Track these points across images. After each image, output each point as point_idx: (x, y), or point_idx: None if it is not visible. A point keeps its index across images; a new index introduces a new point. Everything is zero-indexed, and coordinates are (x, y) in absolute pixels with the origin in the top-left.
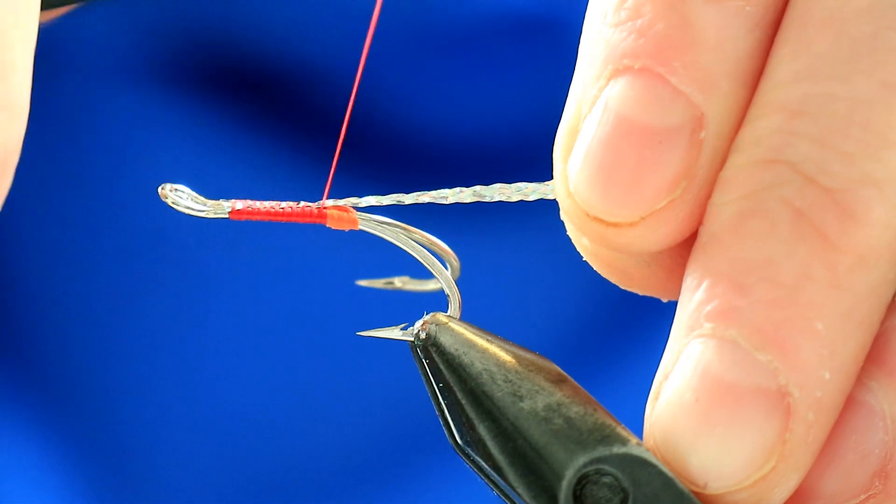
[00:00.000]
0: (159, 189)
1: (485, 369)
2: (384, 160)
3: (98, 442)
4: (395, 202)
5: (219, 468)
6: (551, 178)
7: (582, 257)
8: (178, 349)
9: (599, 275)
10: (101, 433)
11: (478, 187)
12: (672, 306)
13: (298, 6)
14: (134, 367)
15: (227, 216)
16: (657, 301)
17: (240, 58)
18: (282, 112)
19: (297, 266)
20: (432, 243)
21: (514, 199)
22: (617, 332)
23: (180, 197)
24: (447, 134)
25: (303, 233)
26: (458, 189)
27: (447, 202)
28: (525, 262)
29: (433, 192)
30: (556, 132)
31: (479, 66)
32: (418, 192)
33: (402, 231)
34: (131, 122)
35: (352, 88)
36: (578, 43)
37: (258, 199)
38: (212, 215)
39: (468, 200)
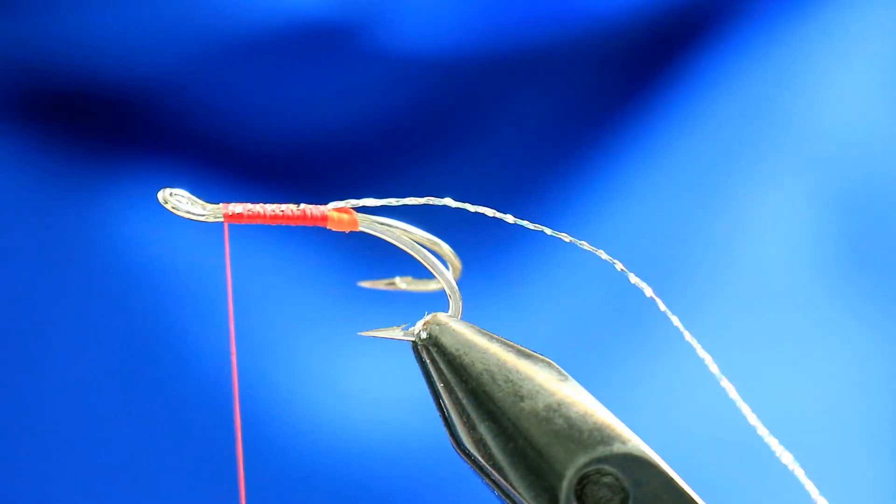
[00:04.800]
0: (159, 194)
1: (485, 369)
2: (195, 165)
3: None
4: (398, 204)
5: (212, 467)
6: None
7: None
8: (174, 348)
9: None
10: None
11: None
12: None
13: (108, 26)
14: (124, 366)
15: (223, 221)
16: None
17: (51, 82)
18: (94, 133)
19: (295, 265)
20: (434, 243)
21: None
22: (619, 333)
23: (179, 202)
24: (255, 137)
25: (301, 231)
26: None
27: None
28: (525, 262)
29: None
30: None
31: (283, 72)
32: (429, 197)
33: (403, 231)
34: None
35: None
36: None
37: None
38: (211, 219)
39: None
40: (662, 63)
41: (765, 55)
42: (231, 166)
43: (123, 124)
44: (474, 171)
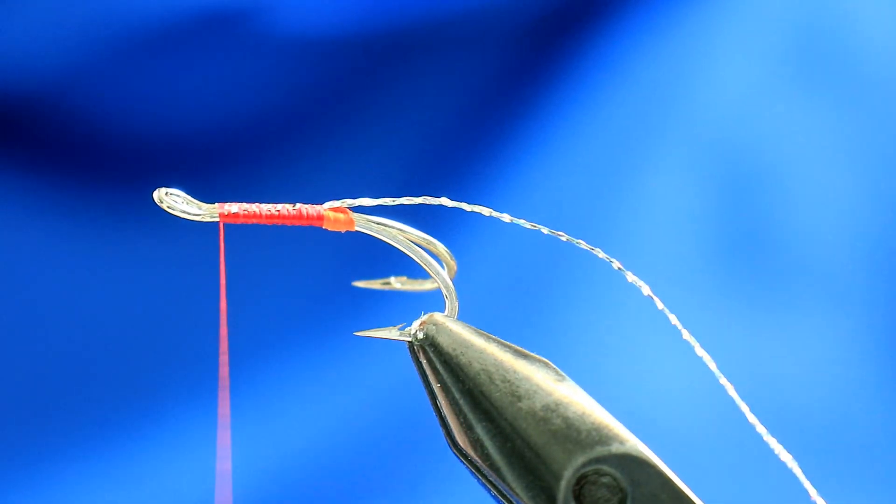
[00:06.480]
0: (154, 193)
1: (483, 369)
2: (94, 161)
3: None
4: (394, 203)
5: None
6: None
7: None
8: (172, 348)
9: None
10: None
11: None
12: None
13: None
14: (118, 365)
15: (219, 220)
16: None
17: None
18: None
19: (292, 266)
20: (429, 243)
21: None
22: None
23: (175, 201)
24: (153, 134)
25: (296, 231)
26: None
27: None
28: (522, 261)
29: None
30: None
31: (176, 65)
32: (425, 197)
33: (399, 231)
34: None
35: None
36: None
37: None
38: (207, 219)
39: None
40: (564, 42)
41: (662, 38)
42: (132, 164)
43: (8, 129)
44: (382, 153)
